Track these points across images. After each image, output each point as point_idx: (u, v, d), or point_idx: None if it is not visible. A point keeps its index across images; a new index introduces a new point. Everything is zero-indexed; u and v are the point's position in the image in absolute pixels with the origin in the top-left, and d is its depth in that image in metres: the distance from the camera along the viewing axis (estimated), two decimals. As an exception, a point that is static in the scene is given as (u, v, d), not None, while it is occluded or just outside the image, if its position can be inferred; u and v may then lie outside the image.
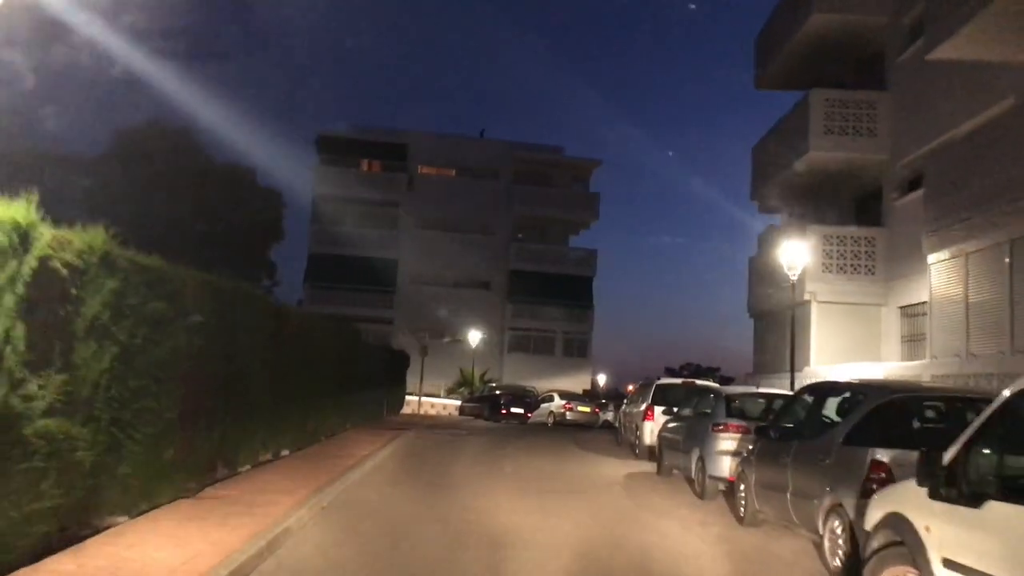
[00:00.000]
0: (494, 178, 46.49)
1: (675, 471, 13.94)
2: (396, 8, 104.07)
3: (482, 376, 40.95)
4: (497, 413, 33.21)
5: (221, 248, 31.67)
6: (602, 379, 53.25)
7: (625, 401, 21.02)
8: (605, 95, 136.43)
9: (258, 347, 12.48)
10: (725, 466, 11.62)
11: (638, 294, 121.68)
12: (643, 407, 17.88)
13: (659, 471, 14.66)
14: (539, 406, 35.11)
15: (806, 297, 19.29)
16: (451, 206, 45.41)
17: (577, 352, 45.28)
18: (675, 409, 15.02)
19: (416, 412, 36.12)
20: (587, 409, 34.99)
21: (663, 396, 17.87)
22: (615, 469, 15.53)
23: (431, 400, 38.69)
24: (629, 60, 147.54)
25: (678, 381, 18.73)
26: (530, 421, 33.80)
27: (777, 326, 22.11)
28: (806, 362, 19.34)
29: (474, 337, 40.41)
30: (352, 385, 21.02)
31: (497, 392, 34.29)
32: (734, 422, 11.93)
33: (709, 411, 12.74)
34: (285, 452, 14.41)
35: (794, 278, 16.76)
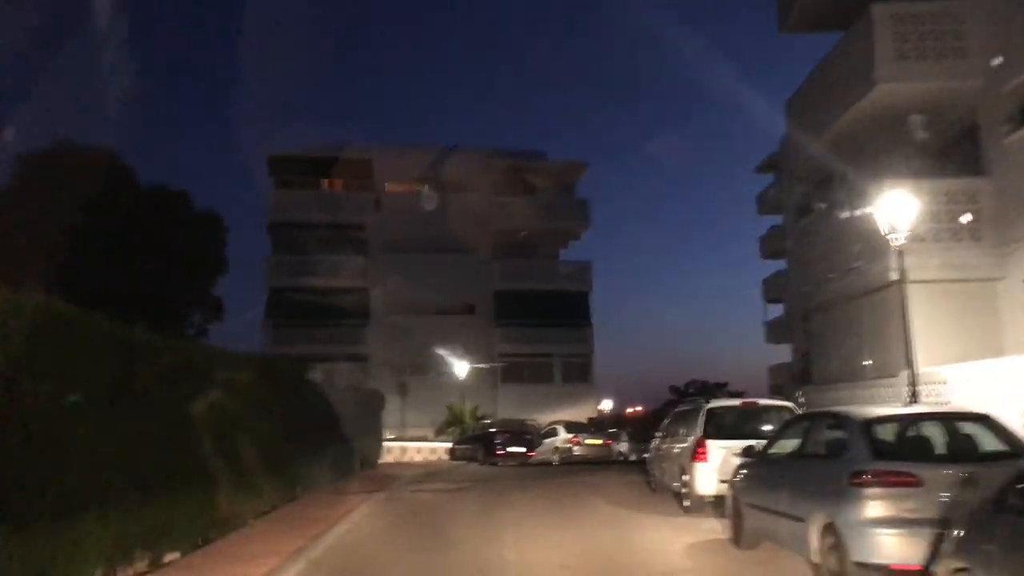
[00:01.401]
0: (471, 191, 41.79)
1: (767, 540, 9.08)
2: (354, 14, 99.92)
3: (473, 412, 35.92)
4: (493, 454, 28.21)
5: (156, 283, 26.63)
6: (607, 405, 48.24)
7: (658, 435, 16.06)
8: (589, 86, 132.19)
9: (96, 402, 7.68)
10: (880, 545, 6.77)
11: (633, 308, 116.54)
12: (690, 442, 12.98)
13: (737, 540, 9.72)
14: (541, 442, 30.14)
15: (891, 276, 14.44)
16: (425, 225, 40.63)
17: (578, 376, 40.32)
18: (749, 445, 10.14)
19: (399, 460, 30.99)
20: (597, 441, 30.07)
21: (718, 424, 13.01)
22: (667, 537, 10.61)
23: (417, 445, 33.57)
24: (610, 46, 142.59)
25: (735, 403, 13.85)
26: (532, 460, 28.81)
27: (842, 322, 17.31)
28: (900, 363, 14.49)
29: (461, 369, 35.42)
30: (301, 441, 16.09)
31: (492, 430, 29.27)
32: (888, 467, 7.03)
33: (835, 449, 7.84)
34: (173, 555, 9.46)
35: (899, 242, 11.91)
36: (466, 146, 42.22)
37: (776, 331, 57.57)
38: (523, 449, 28.36)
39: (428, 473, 23.93)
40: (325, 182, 41.73)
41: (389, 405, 31.58)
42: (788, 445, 9.09)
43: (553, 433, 30.47)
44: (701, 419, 12.94)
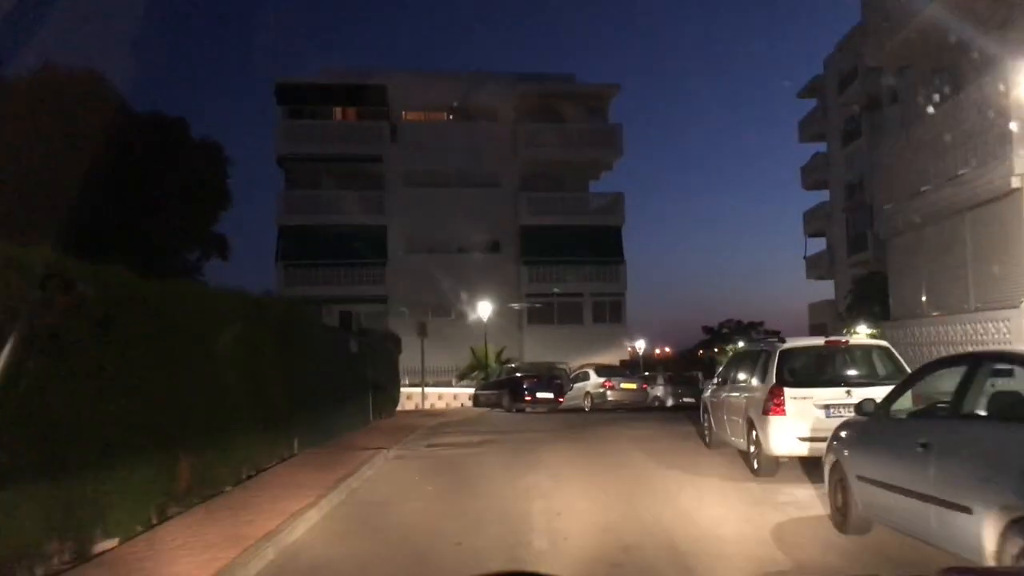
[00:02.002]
0: (494, 119, 38.92)
1: (889, 526, 6.66)
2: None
3: (498, 355, 33.74)
4: (520, 400, 26.05)
5: (154, 220, 24.44)
6: (641, 346, 45.84)
7: (714, 381, 13.63)
8: (619, 7, 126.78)
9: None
10: None
11: (662, 244, 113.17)
12: (760, 390, 10.53)
13: (843, 524, 7.26)
14: (571, 387, 27.92)
15: (1012, 183, 11.63)
16: (445, 156, 37.96)
17: (610, 317, 37.87)
18: (868, 399, 7.59)
19: (419, 408, 28.95)
20: (632, 386, 27.78)
21: (795, 369, 10.54)
22: (742, 514, 8.25)
23: (439, 391, 31.51)
24: None
25: (816, 341, 11.33)
26: (562, 406, 26.64)
27: (936, 244, 14.59)
28: (1018, 291, 11.83)
29: (485, 310, 33.09)
30: (303, 391, 13.92)
31: (518, 374, 27.04)
32: None
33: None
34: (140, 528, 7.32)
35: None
36: (489, 71, 39.24)
37: (817, 267, 54.59)
38: (552, 395, 26.16)
39: (449, 422, 21.81)
40: (338, 111, 39.05)
41: (409, 349, 29.45)
42: (931, 398, 6.59)
43: (584, 377, 28.25)
44: (774, 363, 10.46)
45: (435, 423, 21.41)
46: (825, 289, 59.82)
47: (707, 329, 78.49)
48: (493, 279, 36.47)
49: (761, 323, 78.26)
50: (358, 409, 20.01)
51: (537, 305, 37.27)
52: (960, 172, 12.44)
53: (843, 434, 7.41)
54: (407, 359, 32.26)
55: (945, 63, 14.55)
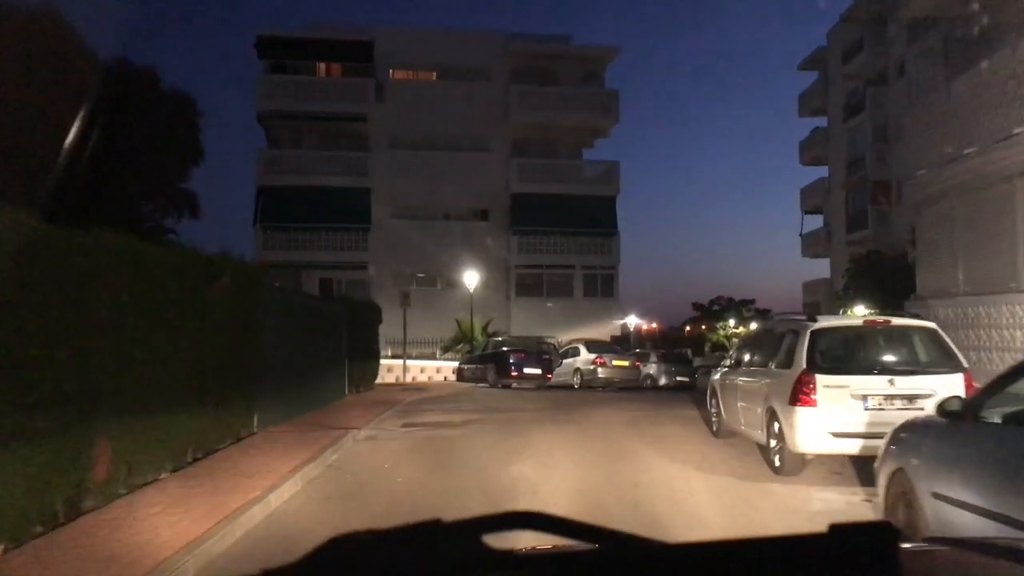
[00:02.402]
0: (486, 80, 37.12)
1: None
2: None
3: (485, 328, 32.29)
4: (506, 375, 24.65)
5: (110, 172, 22.75)
6: (632, 322, 44.47)
7: (726, 362, 12.22)
8: None
9: None
10: None
11: (652, 217, 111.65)
12: (785, 376, 9.11)
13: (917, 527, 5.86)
14: (560, 363, 26.53)
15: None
16: (433, 118, 36.20)
17: (602, 291, 36.43)
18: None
19: (400, 381, 27.54)
20: (624, 363, 26.41)
21: (826, 353, 9.11)
22: (764, 518, 6.87)
23: (421, 364, 30.09)
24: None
25: (853, 321, 9.90)
26: (551, 383, 25.30)
27: (977, 215, 13.15)
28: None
29: (471, 279, 31.56)
30: (263, 363, 12.46)
31: (505, 348, 25.60)
32: None
33: None
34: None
35: None
36: (481, 29, 37.38)
37: (814, 244, 53.34)
38: (540, 371, 24.77)
39: (430, 398, 20.39)
40: (322, 67, 37.15)
41: (391, 319, 27.98)
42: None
43: (574, 353, 26.86)
44: (804, 344, 9.02)
45: (415, 398, 19.99)
46: (820, 267, 58.89)
47: (697, 306, 77.48)
48: (481, 248, 34.96)
49: (752, 301, 77.31)
50: (332, 382, 18.58)
51: (518, 275, 35.80)
52: (1016, 131, 10.98)
53: (910, 436, 5.98)
54: (390, 330, 30.83)
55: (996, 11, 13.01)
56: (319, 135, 36.42)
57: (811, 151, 53.25)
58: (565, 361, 26.69)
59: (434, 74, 37.48)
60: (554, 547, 0.81)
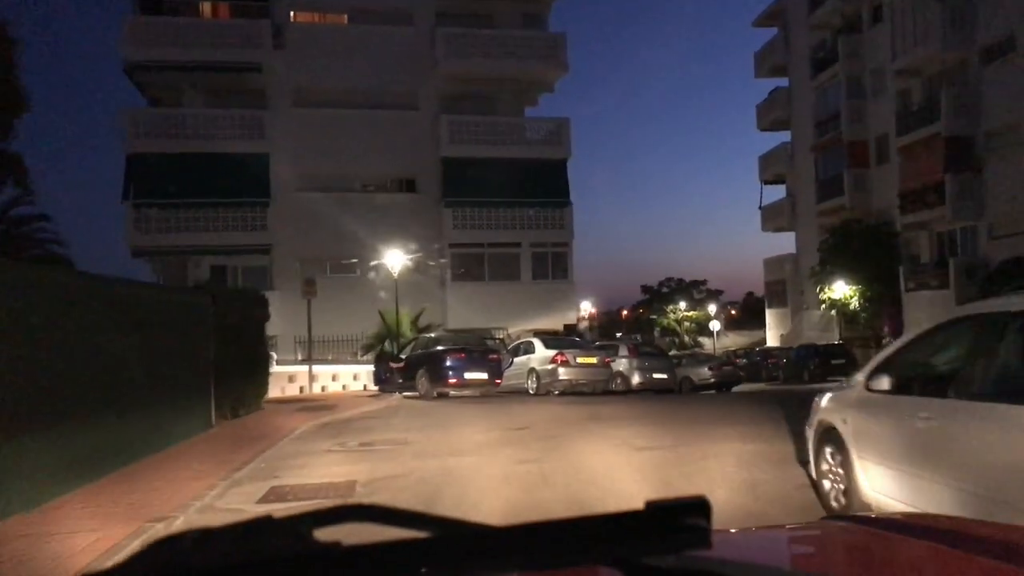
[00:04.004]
0: (407, 23, 30.98)
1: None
2: None
3: (414, 321, 26.34)
4: (442, 381, 18.92)
5: None
6: (586, 308, 38.93)
7: (860, 375, 6.54)
8: None
9: None
10: None
11: (598, 192, 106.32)
12: None
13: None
14: (511, 362, 20.92)
15: None
16: (345, 69, 29.99)
17: (554, 272, 30.76)
18: None
19: (304, 394, 21.49)
20: (591, 360, 20.94)
21: None
22: None
23: (333, 370, 24.02)
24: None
25: None
26: (500, 389, 19.70)
27: None
28: None
29: (395, 262, 25.48)
30: (34, 395, 6.41)
31: (440, 347, 19.70)
32: None
33: None
34: None
35: None
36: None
37: (776, 217, 48.59)
38: (485, 375, 19.03)
39: (336, 422, 14.50)
40: (207, 7, 30.43)
41: (299, 314, 22.00)
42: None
43: (527, 349, 21.25)
44: None
45: (313, 425, 14.05)
46: (784, 242, 54.20)
47: (646, 288, 72.77)
48: (408, 225, 28.97)
49: (704, 282, 72.95)
50: (184, 410, 12.51)
51: (454, 255, 29.91)
52: None
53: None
54: (298, 328, 24.74)
55: None
56: (204, 90, 29.79)
57: (770, 114, 48.41)
58: (516, 360, 21.07)
59: (344, 16, 31.15)
60: (383, 541, 0.79)
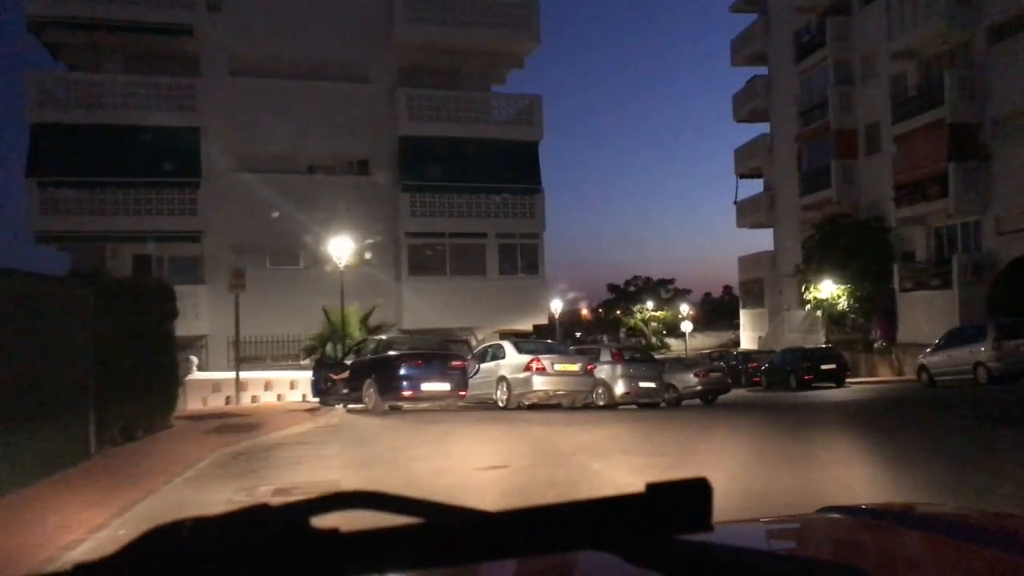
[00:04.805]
0: (363, -14, 27.65)
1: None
2: None
3: (364, 319, 23.04)
4: (395, 393, 15.72)
5: None
6: (557, 307, 35.88)
7: None
8: None
9: None
10: None
11: (569, 185, 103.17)
12: None
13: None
14: (477, 369, 17.78)
15: None
16: (290, 35, 26.59)
17: (524, 266, 27.61)
18: None
19: (230, 406, 18.09)
20: (572, 367, 17.86)
21: None
22: None
23: (267, 376, 20.62)
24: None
25: None
26: (464, 401, 16.60)
27: None
28: None
29: (342, 251, 22.07)
30: None
31: (392, 352, 16.44)
32: None
33: None
34: None
35: None
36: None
37: (752, 213, 46.09)
38: (447, 385, 15.89)
39: (257, 449, 11.31)
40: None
41: (230, 309, 18.69)
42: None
43: (496, 354, 18.18)
44: None
45: (219, 455, 10.79)
46: (761, 238, 51.14)
47: (612, 287, 70.17)
48: (360, 211, 25.66)
49: (672, 280, 70.54)
50: (46, 437, 9.22)
51: (411, 246, 26.68)
52: None
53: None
54: (218, 326, 21.35)
55: None
56: (126, 54, 26.12)
57: (748, 104, 45.88)
58: (483, 367, 17.94)
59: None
60: (380, 527, 0.80)
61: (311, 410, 16.46)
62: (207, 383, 18.37)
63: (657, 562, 0.87)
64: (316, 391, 17.81)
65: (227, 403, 18.33)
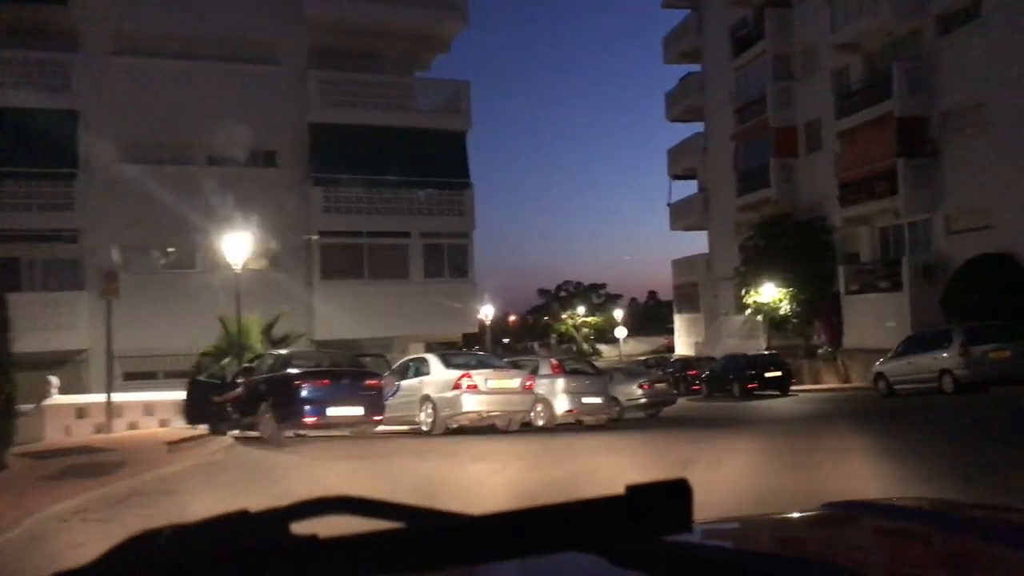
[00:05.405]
0: (267, -44, 24.75)
1: None
2: None
3: (267, 330, 20.16)
4: (294, 420, 13.05)
5: None
6: (488, 314, 33.38)
7: None
8: None
9: None
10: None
11: (494, 183, 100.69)
12: None
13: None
14: (396, 387, 15.22)
15: None
16: (185, 10, 23.51)
17: (451, 270, 25.05)
18: None
19: (100, 435, 15.08)
20: (510, 383, 15.47)
21: None
22: None
23: (145, 398, 17.53)
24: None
25: None
26: (381, 426, 14.06)
27: None
28: None
29: (236, 253, 19.09)
30: None
31: (293, 369, 13.72)
32: None
33: None
34: None
35: None
36: None
37: (686, 215, 44.62)
38: (359, 409, 13.28)
39: (87, 509, 8.50)
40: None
41: (115, 319, 15.71)
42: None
43: (420, 369, 15.68)
44: None
45: (45, 516, 7.98)
46: (696, 241, 49.32)
47: (543, 292, 68.17)
48: (266, 207, 22.62)
49: (603, 285, 68.96)
50: None
51: (323, 245, 23.94)
52: None
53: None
54: (128, 340, 18.21)
55: None
56: (-9, 27, 22.71)
57: (681, 102, 44.37)
58: (405, 384, 15.42)
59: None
60: (360, 532, 0.78)
61: (194, 439, 13.61)
62: (70, 408, 15.35)
63: (641, 563, 0.87)
64: (190, 416, 14.89)
65: (98, 432, 15.32)
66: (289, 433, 13.45)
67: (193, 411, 14.84)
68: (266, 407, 13.19)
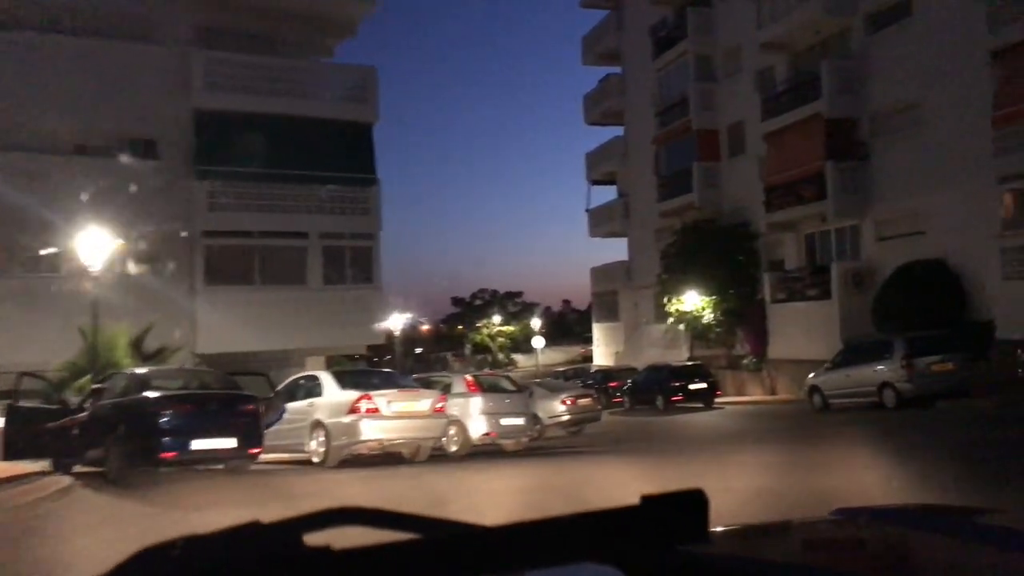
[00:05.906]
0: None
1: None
2: None
3: (135, 343, 17.42)
4: (150, 454, 10.54)
5: None
6: (397, 323, 30.97)
7: None
8: None
9: None
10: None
11: (403, 184, 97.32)
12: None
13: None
14: (282, 411, 12.86)
15: None
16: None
17: (356, 274, 22.62)
18: None
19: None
20: (416, 405, 13.32)
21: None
22: None
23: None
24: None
25: None
26: (261, 459, 11.64)
27: None
28: None
29: (93, 254, 16.30)
30: None
31: (150, 393, 11.20)
32: None
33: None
34: None
35: None
36: None
37: (606, 221, 43.34)
38: (231, 440, 10.88)
39: None
40: None
41: None
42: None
43: (310, 390, 13.37)
44: None
45: None
46: (615, 248, 47.77)
47: (457, 300, 66.00)
48: (143, 204, 20.00)
49: (520, 294, 67.30)
50: None
51: (208, 247, 21.32)
52: None
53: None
54: None
55: None
56: None
57: (601, 105, 43.01)
58: (293, 408, 13.07)
59: None
60: (373, 544, 0.78)
61: (24, 477, 10.98)
62: None
63: (657, 573, 0.86)
64: (11, 452, 12.13)
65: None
66: (130, 475, 10.93)
67: (14, 443, 12.08)
68: (114, 439, 10.68)
